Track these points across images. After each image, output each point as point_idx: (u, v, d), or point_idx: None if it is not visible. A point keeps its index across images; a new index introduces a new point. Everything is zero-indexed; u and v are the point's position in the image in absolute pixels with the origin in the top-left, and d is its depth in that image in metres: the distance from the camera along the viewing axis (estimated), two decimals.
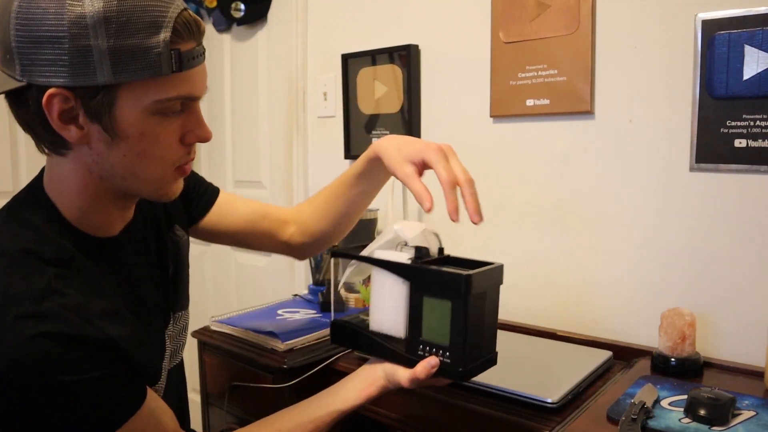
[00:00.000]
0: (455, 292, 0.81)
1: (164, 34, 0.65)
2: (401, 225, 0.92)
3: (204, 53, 0.72)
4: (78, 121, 0.67)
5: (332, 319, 0.99)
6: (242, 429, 0.84)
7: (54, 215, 0.72)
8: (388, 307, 0.89)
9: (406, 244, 0.91)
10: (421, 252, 0.89)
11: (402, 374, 0.84)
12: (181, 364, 0.97)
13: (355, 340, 0.94)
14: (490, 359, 0.88)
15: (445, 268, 0.84)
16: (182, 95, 0.70)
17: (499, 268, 0.88)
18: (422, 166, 0.87)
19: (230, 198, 1.09)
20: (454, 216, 0.81)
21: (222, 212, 1.06)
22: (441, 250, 0.93)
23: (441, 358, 0.83)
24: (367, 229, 1.54)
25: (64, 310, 0.63)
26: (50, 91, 0.64)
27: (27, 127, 0.70)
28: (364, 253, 0.93)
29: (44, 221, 0.71)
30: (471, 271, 0.81)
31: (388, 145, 0.91)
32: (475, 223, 0.82)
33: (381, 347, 0.89)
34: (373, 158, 0.96)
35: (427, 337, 0.85)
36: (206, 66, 0.74)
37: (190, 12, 0.70)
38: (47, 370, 0.60)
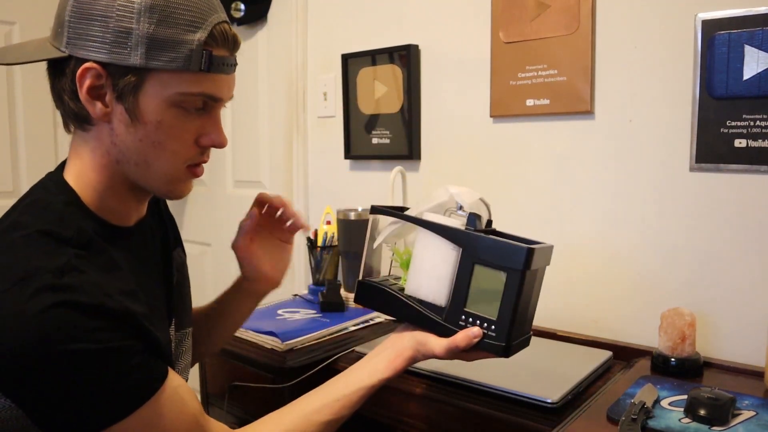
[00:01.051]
0: (514, 264, 0.77)
1: (200, 35, 0.70)
2: (458, 189, 0.88)
3: (235, 66, 0.76)
4: (105, 99, 0.71)
5: (361, 278, 0.94)
6: (271, 414, 0.81)
7: (73, 199, 0.74)
8: (431, 271, 0.84)
9: (457, 210, 0.87)
10: (473, 220, 0.85)
11: (436, 343, 0.82)
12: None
13: (385, 302, 0.88)
14: (526, 340, 0.85)
15: (502, 239, 0.80)
16: (205, 93, 0.73)
17: (551, 249, 0.85)
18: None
19: None
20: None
21: None
22: (489, 222, 0.89)
23: (485, 331, 0.80)
24: (366, 229, 1.53)
25: (85, 284, 0.64)
26: (86, 64, 0.69)
27: (58, 98, 0.73)
28: (412, 213, 0.88)
29: (64, 205, 0.72)
30: (533, 245, 0.78)
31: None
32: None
33: (416, 313, 0.84)
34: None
35: (472, 308, 0.81)
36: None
37: (230, 26, 0.74)
38: (68, 338, 0.60)
